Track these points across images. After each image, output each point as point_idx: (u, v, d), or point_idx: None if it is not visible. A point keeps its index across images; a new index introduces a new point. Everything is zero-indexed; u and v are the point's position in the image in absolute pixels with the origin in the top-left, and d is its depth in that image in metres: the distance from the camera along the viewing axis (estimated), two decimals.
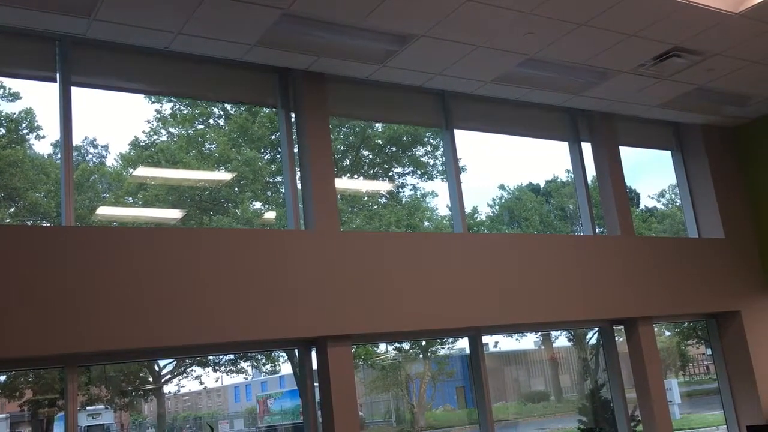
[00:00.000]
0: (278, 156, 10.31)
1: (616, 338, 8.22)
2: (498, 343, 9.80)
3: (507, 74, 7.14)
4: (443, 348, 12.11)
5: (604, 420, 8.09)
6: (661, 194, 12.00)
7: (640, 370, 7.81)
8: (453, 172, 7.37)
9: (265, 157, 10.19)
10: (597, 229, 8.26)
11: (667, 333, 12.17)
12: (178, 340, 5.40)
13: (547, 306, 7.26)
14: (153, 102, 7.28)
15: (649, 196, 12.18)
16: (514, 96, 7.73)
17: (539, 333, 11.44)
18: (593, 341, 11.11)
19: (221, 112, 8.77)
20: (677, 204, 11.23)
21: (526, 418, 11.62)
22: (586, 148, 8.60)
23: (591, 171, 8.42)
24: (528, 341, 12.55)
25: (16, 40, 5.58)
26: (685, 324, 11.59)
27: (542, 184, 12.14)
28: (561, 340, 12.53)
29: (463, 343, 11.91)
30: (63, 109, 5.62)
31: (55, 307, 4.96)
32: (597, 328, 8.97)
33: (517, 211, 11.79)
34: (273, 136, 9.89)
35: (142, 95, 7.13)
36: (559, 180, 12.07)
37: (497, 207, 12.02)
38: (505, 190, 12.13)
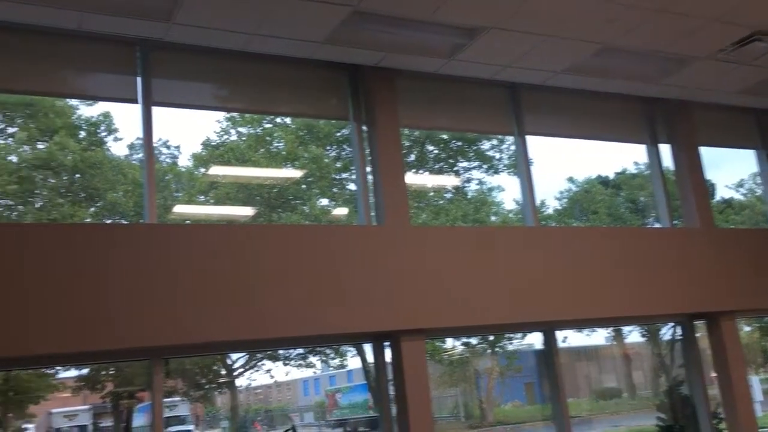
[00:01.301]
0: (344, 153, 10.42)
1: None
2: (567, 338, 9.64)
3: (579, 64, 6.99)
4: (511, 343, 12.02)
5: (684, 417, 7.85)
6: (740, 184, 11.56)
7: (722, 367, 7.54)
8: (525, 174, 7.21)
9: (331, 154, 10.31)
10: (673, 222, 8.01)
11: (747, 328, 11.73)
12: (255, 333, 5.50)
13: (623, 300, 7.08)
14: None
15: (726, 186, 11.74)
16: (587, 86, 7.56)
17: (610, 328, 11.21)
18: (668, 337, 10.82)
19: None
20: (757, 194, 10.78)
21: (598, 414, 11.43)
22: (663, 141, 8.31)
23: (666, 160, 8.16)
24: (598, 337, 12.32)
25: (98, 45, 5.76)
26: (766, 319, 11.15)
27: (612, 176, 11.88)
28: (633, 335, 12.25)
29: (531, 339, 11.82)
30: (144, 112, 5.77)
31: (141, 301, 5.13)
32: (672, 324, 8.72)
33: (585, 204, 11.57)
34: (338, 133, 10.00)
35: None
36: (628, 172, 11.78)
37: (565, 200, 11.83)
38: (573, 182, 11.93)
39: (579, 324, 7.51)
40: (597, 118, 7.95)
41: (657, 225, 8.24)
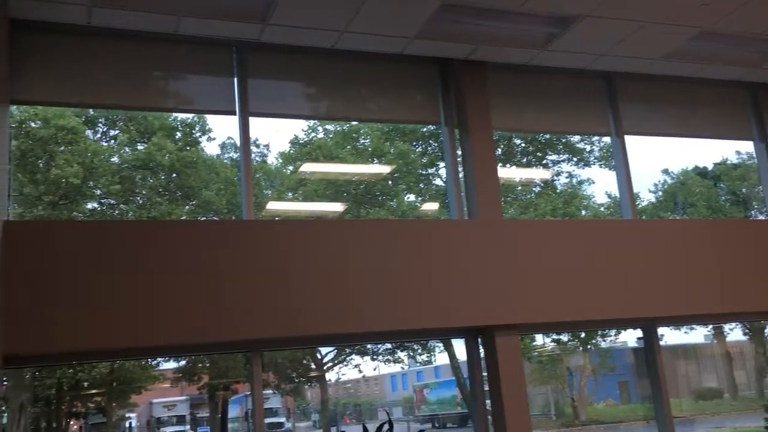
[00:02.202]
0: (430, 148, 10.38)
1: None
2: (663, 335, 9.30)
3: (678, 50, 6.70)
4: (604, 341, 11.68)
5: None
6: None
7: None
8: (623, 170, 6.95)
9: (417, 149, 10.29)
10: None
11: None
12: (350, 327, 5.55)
13: (727, 296, 6.73)
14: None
15: None
16: (686, 73, 7.23)
17: (710, 326, 10.70)
18: None
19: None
20: None
21: (698, 415, 10.94)
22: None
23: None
24: (696, 335, 11.78)
25: (196, 48, 5.94)
26: None
27: (710, 167, 11.32)
28: (734, 333, 11.64)
29: (626, 336, 11.43)
30: (242, 122, 5.90)
31: (241, 295, 5.27)
32: None
33: (682, 196, 11.09)
34: (424, 129, 9.97)
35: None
36: (729, 162, 11.20)
37: (660, 193, 11.37)
38: (668, 174, 11.45)
39: (681, 321, 7.22)
40: (698, 110, 7.55)
41: (761, 217, 7.81)
